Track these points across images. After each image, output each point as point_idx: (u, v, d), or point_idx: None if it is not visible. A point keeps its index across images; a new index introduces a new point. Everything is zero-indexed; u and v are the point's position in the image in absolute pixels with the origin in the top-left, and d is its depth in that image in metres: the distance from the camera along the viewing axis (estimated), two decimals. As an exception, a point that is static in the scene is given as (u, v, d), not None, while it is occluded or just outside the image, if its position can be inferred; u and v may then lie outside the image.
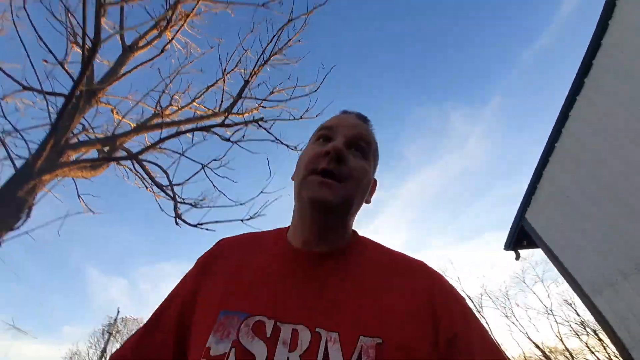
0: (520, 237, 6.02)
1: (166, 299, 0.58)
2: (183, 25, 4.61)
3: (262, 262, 0.57)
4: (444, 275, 0.56)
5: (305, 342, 0.43)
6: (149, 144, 4.16)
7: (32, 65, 3.01)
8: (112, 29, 4.17)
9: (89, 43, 3.04)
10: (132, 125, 4.49)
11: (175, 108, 4.92)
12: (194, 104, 4.99)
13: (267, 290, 0.51)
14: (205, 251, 0.63)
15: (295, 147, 4.65)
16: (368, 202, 0.65)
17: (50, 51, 3.20)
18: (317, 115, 4.81)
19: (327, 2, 4.77)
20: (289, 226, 0.64)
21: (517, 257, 6.34)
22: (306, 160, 0.58)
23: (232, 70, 4.70)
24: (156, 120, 4.60)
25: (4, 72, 3.09)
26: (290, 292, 0.51)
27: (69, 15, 3.36)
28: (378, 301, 0.49)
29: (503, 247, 6.42)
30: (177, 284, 0.60)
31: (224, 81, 4.63)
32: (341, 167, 0.54)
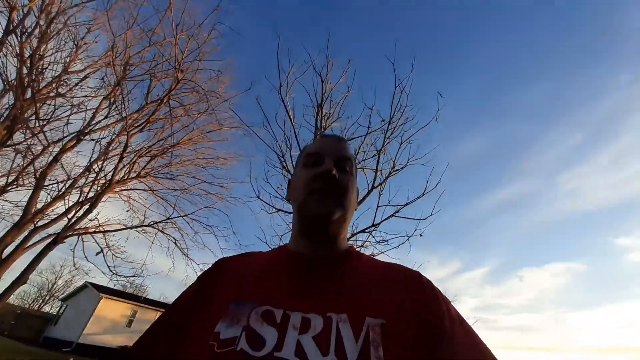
0: None
1: (169, 308, 0.61)
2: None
3: (266, 265, 0.62)
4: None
5: (318, 326, 0.46)
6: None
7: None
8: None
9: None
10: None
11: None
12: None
13: (274, 286, 0.55)
14: (206, 269, 0.66)
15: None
16: (356, 208, 0.71)
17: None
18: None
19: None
20: (286, 243, 0.69)
21: None
22: (302, 182, 0.64)
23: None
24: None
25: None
26: (295, 287, 0.54)
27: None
28: (377, 292, 0.53)
29: None
30: (178, 296, 0.63)
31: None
32: (335, 185, 0.61)
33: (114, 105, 7.15)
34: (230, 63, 8.26)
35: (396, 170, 4.69)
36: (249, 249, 8.57)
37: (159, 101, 6.79)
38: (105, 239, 7.00)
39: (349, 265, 0.60)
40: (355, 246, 0.65)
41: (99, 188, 6.65)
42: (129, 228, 7.20)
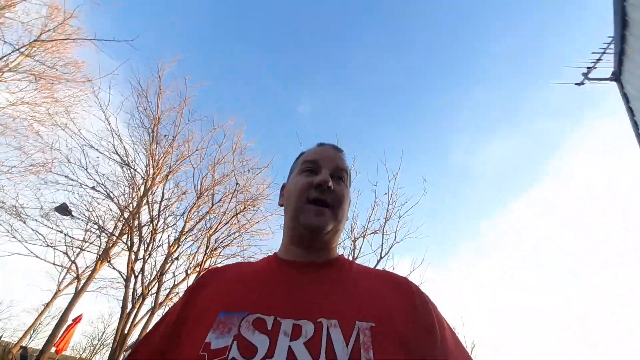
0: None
1: (152, 328, 0.61)
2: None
3: (256, 273, 0.63)
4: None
5: (309, 332, 0.47)
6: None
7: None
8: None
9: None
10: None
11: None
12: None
13: (264, 294, 0.56)
14: (194, 281, 0.67)
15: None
16: (347, 219, 0.74)
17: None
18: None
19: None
20: (275, 252, 0.72)
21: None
22: (298, 190, 0.66)
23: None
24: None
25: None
26: (286, 293, 0.56)
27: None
28: (369, 296, 0.56)
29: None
30: (169, 308, 0.63)
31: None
32: (330, 195, 0.65)
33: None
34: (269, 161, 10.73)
35: (397, 242, 6.43)
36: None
37: (233, 216, 9.96)
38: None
39: (339, 271, 0.63)
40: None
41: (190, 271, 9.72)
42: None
